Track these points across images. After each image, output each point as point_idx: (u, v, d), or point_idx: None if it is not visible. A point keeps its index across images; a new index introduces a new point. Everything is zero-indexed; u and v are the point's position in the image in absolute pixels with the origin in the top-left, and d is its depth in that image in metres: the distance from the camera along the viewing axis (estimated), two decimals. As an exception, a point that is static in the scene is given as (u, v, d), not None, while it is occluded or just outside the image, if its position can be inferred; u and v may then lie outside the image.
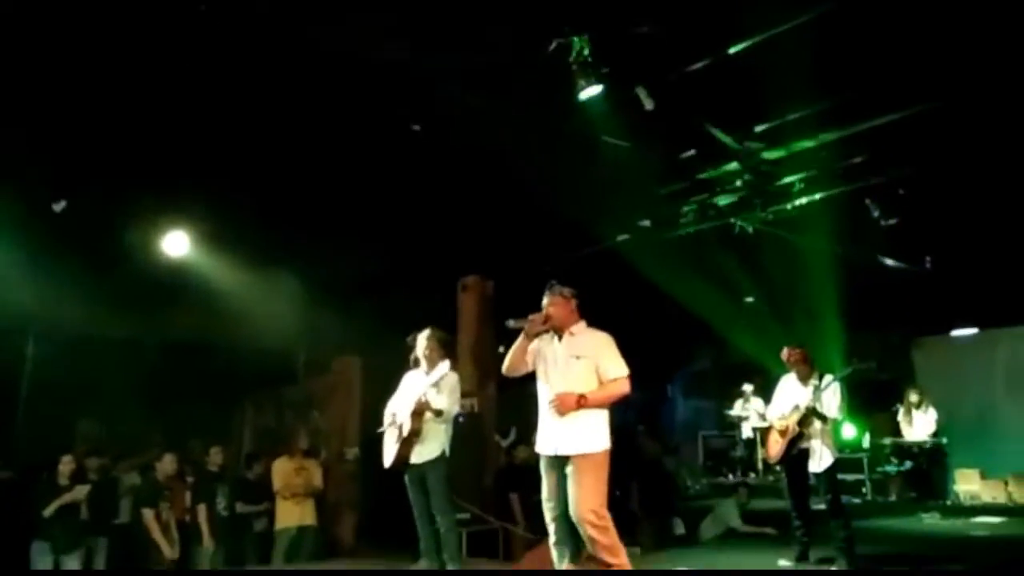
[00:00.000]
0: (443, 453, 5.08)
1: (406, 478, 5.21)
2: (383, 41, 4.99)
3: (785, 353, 5.70)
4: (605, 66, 5.11)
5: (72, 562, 6.08)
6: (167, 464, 6.65)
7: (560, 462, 4.04)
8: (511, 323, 4.25)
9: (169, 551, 6.37)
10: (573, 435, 4.00)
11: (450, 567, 5.05)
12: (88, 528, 6.36)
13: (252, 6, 4.74)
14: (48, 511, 6.00)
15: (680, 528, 7.75)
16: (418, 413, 5.00)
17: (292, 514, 7.31)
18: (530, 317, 4.15)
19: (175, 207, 7.05)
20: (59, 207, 6.46)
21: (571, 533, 4.01)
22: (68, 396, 8.17)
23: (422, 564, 5.22)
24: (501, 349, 8.58)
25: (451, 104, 5.67)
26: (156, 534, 6.35)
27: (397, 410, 5.20)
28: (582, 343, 4.13)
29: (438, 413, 4.97)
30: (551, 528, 4.09)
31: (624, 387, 4.08)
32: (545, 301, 4.21)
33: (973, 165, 6.62)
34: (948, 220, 7.69)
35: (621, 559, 3.95)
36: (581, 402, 3.98)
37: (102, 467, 7.02)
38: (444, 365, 5.03)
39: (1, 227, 6.60)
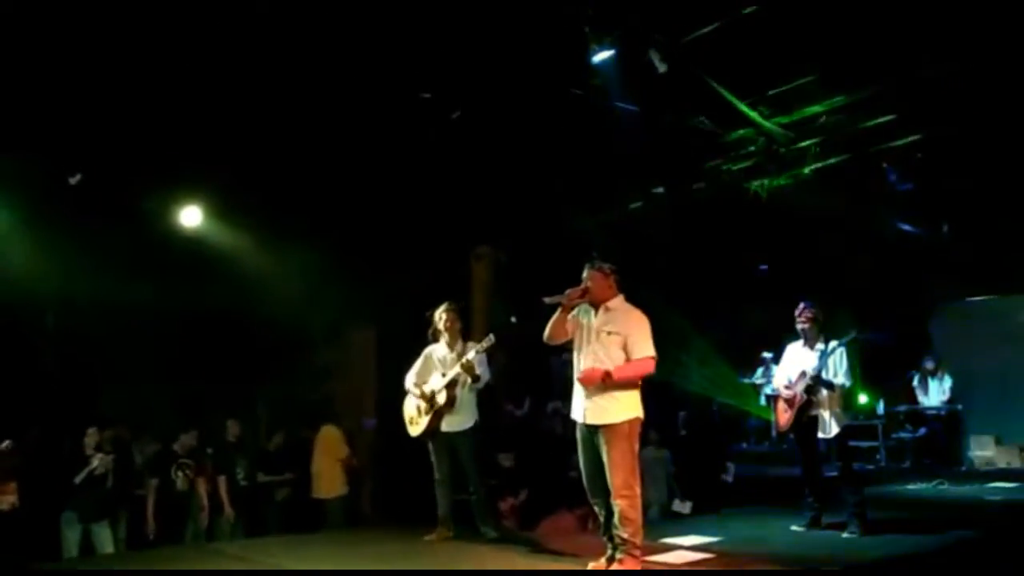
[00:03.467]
0: (475, 423, 5.23)
1: (431, 446, 5.32)
2: (391, 9, 4.96)
3: (799, 309, 5.64)
4: (617, 29, 5.04)
5: (101, 531, 6.22)
6: (189, 437, 6.78)
7: (590, 431, 4.16)
8: (547, 299, 4.32)
9: (153, 528, 6.44)
10: (600, 405, 4.10)
11: (486, 531, 5.15)
12: (114, 497, 6.49)
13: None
14: (79, 478, 6.14)
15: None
16: (452, 384, 5.12)
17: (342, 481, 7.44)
18: (567, 291, 4.20)
19: (190, 179, 7.08)
20: (75, 180, 6.51)
21: (604, 493, 4.14)
22: (88, 368, 8.30)
23: (439, 532, 5.29)
24: (513, 319, 8.65)
25: (462, 71, 5.63)
26: (149, 508, 6.45)
27: (426, 381, 5.30)
28: (616, 318, 4.20)
29: (476, 378, 5.09)
30: (588, 492, 4.25)
31: (649, 367, 4.14)
32: (584, 275, 4.26)
33: (991, 129, 6.52)
34: (965, 186, 7.59)
35: (637, 539, 4.09)
36: (606, 379, 4.05)
37: (119, 437, 7.14)
38: (490, 336, 5.12)
39: (19, 200, 6.68)
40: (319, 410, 8.30)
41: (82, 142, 6.12)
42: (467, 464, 5.22)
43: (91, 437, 6.34)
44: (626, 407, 4.10)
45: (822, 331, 5.57)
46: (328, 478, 7.54)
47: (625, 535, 4.05)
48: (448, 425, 5.23)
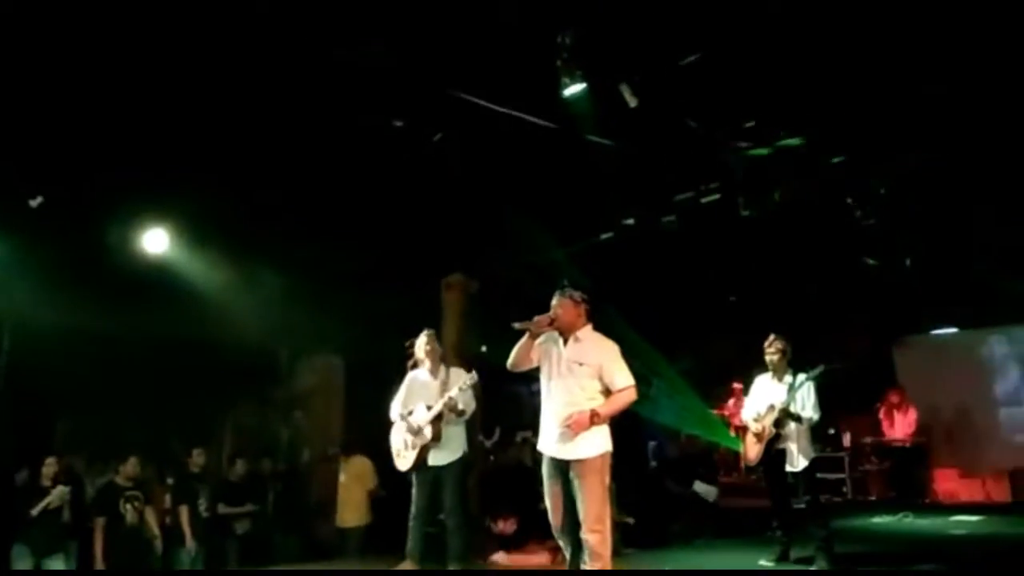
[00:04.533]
0: (463, 455, 5.23)
1: (415, 478, 5.30)
2: (364, 39, 4.96)
3: (768, 340, 5.68)
4: (589, 63, 5.10)
5: (55, 564, 5.99)
6: (130, 467, 6.56)
7: (560, 465, 4.09)
8: (516, 325, 4.29)
9: (103, 565, 6.23)
10: (572, 440, 4.04)
11: (453, 567, 5.07)
12: (68, 531, 6.27)
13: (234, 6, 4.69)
14: (35, 511, 5.92)
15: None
16: (438, 418, 5.09)
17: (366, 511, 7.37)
18: (536, 318, 4.16)
19: (154, 203, 6.96)
20: (35, 203, 6.36)
21: (573, 528, 4.08)
22: (45, 394, 8.05)
23: (406, 565, 5.22)
24: (484, 348, 8.59)
25: (433, 101, 5.64)
26: (98, 547, 6.24)
27: (411, 411, 5.28)
28: (586, 350, 4.15)
29: (460, 413, 5.10)
30: (552, 523, 4.17)
31: (632, 396, 4.12)
32: (554, 302, 4.22)
33: (953, 166, 6.68)
34: (928, 220, 7.76)
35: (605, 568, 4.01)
36: (594, 420, 4.01)
37: (71, 468, 6.92)
38: (473, 374, 5.14)
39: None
40: (350, 439, 8.11)
41: (44, 164, 5.99)
42: (450, 497, 5.18)
43: (49, 467, 6.15)
44: (598, 441, 4.06)
45: (790, 364, 5.61)
46: (354, 506, 7.46)
47: (596, 568, 3.97)
48: (435, 459, 5.20)
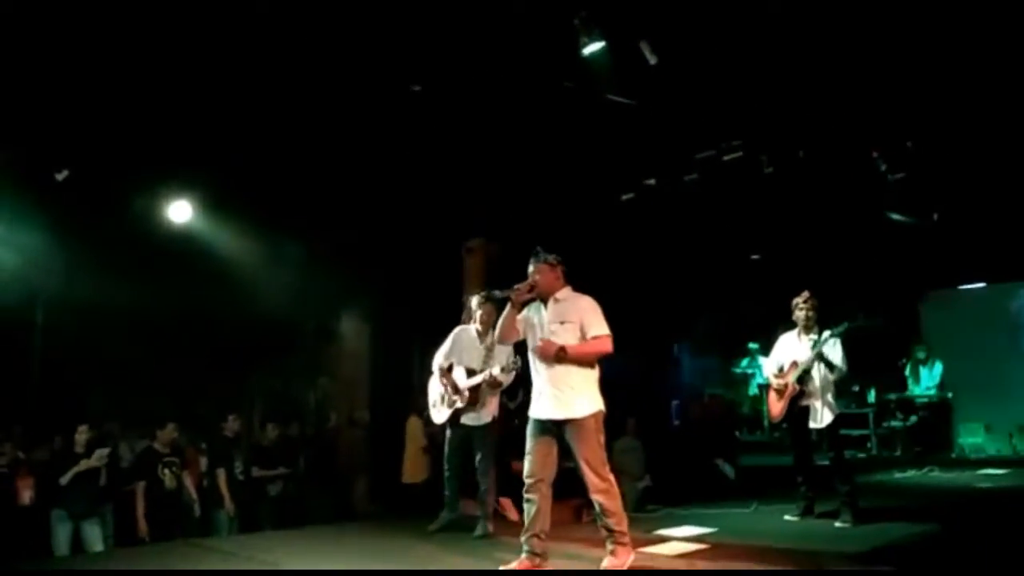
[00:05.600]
0: (493, 419, 5.32)
1: (448, 434, 5.44)
2: (381, 4, 4.92)
3: (802, 297, 5.64)
4: (607, 20, 5.02)
5: (91, 528, 6.18)
6: (167, 433, 6.71)
7: (549, 426, 4.11)
8: (496, 294, 4.33)
9: (145, 529, 6.39)
10: (563, 401, 4.08)
11: (480, 531, 5.22)
12: (104, 494, 6.45)
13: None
14: (65, 479, 6.09)
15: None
16: (477, 386, 5.21)
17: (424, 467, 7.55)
18: (515, 287, 4.19)
19: (179, 174, 7.03)
20: (61, 176, 6.44)
21: (547, 498, 4.11)
22: (78, 366, 8.24)
23: (444, 516, 5.45)
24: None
25: (452, 64, 5.59)
26: (140, 510, 6.42)
27: (451, 366, 5.38)
28: (567, 309, 4.18)
29: (498, 386, 5.19)
30: (526, 486, 4.15)
31: (605, 345, 4.12)
32: (531, 269, 4.23)
33: (981, 118, 6.53)
34: (956, 174, 7.62)
35: (623, 527, 4.07)
36: (560, 353, 4.03)
37: (110, 434, 7.11)
38: (518, 358, 5.07)
39: (7, 197, 6.60)
40: (408, 402, 8.19)
41: (70, 137, 6.06)
42: (482, 460, 5.30)
43: (82, 434, 6.30)
44: (590, 400, 4.10)
45: (817, 321, 5.59)
46: (410, 464, 7.64)
47: (611, 525, 4.03)
48: (468, 419, 5.32)
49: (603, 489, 4.01)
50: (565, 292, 4.25)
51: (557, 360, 4.06)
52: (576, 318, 4.12)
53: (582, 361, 4.10)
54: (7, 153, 5.97)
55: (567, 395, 4.07)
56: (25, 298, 7.61)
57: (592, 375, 4.17)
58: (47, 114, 5.70)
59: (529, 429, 4.20)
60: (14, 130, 5.78)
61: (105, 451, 6.26)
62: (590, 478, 4.01)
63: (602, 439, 4.12)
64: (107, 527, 6.40)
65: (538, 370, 4.20)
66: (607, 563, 4.04)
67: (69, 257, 7.44)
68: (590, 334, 4.11)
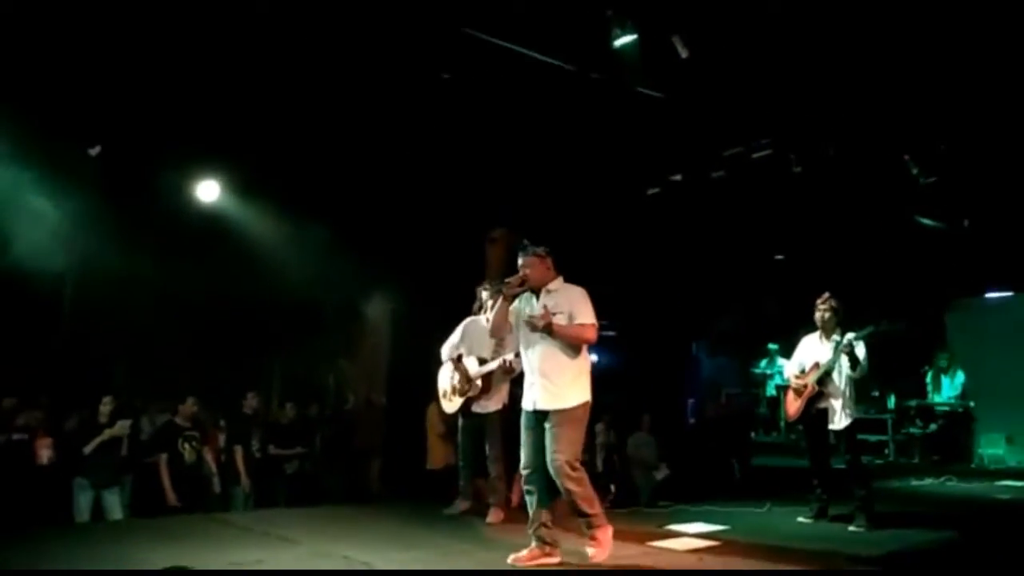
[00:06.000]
0: (503, 407, 5.36)
1: (461, 424, 5.51)
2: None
3: (822, 298, 5.60)
4: (639, 13, 4.99)
5: (111, 496, 6.32)
6: (188, 407, 6.82)
7: (540, 417, 4.13)
8: (486, 290, 4.30)
9: (174, 498, 6.50)
10: (553, 392, 4.09)
11: (493, 518, 5.27)
12: (125, 465, 6.58)
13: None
14: (88, 448, 6.22)
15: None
16: (489, 373, 5.26)
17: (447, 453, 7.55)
18: (506, 280, 4.22)
19: (208, 154, 7.11)
20: (94, 151, 6.55)
21: (547, 487, 4.12)
22: (104, 339, 8.39)
23: (459, 505, 5.54)
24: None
25: (482, 53, 5.60)
26: (165, 480, 6.53)
27: (461, 356, 5.43)
28: (558, 299, 4.18)
29: (510, 372, 5.20)
30: (524, 477, 4.20)
31: (589, 333, 4.14)
32: (520, 262, 4.24)
33: (1016, 125, 6.42)
34: (988, 180, 7.50)
35: (596, 509, 4.09)
36: (547, 327, 4.03)
37: (130, 405, 7.23)
38: None
39: (39, 172, 6.72)
40: (427, 387, 8.28)
41: (103, 115, 6.15)
42: (492, 446, 5.35)
43: (106, 406, 6.42)
44: (578, 392, 4.12)
45: (840, 324, 5.54)
46: (435, 450, 7.71)
47: (586, 510, 4.04)
48: (480, 407, 5.39)
49: (575, 478, 4.01)
50: (556, 283, 4.25)
51: (545, 334, 4.05)
52: (566, 307, 4.14)
53: (567, 343, 4.10)
54: (43, 127, 6.06)
55: (557, 386, 4.09)
56: (54, 272, 7.74)
57: (583, 367, 4.19)
58: (82, 91, 5.79)
59: (522, 421, 4.23)
60: (50, 105, 5.87)
61: (127, 422, 6.38)
62: (560, 465, 3.99)
63: (583, 430, 4.16)
64: (126, 496, 6.53)
65: (530, 362, 4.22)
66: (593, 553, 4.05)
67: (99, 232, 7.57)
68: (576, 321, 4.12)
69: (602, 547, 4.06)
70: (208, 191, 7.54)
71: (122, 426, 6.31)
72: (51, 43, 5.28)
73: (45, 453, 6.42)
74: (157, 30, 5.24)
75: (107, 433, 6.26)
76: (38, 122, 6.10)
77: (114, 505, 6.32)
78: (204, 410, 7.22)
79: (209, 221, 7.69)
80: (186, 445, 6.73)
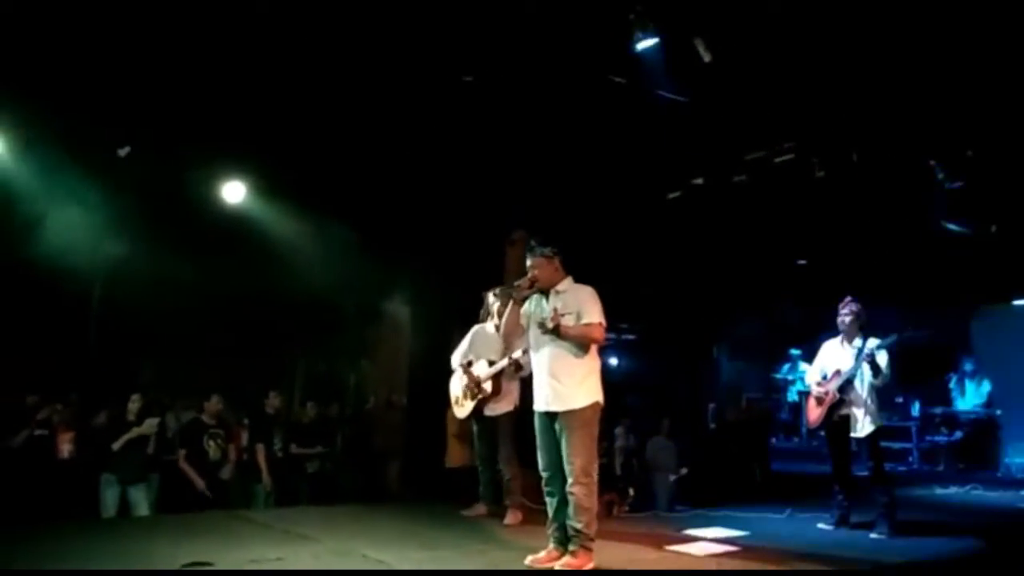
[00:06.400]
0: (515, 408, 5.38)
1: (475, 428, 5.56)
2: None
3: (844, 302, 5.54)
4: (662, 16, 4.99)
5: (137, 492, 6.42)
6: (213, 404, 6.91)
7: (552, 419, 4.11)
8: (494, 294, 4.30)
9: (201, 484, 6.61)
10: (561, 393, 4.07)
11: (511, 519, 5.30)
12: (152, 462, 6.69)
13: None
14: (117, 445, 6.33)
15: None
16: (499, 374, 5.28)
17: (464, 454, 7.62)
18: (515, 283, 4.21)
19: (234, 156, 7.21)
20: (124, 152, 6.68)
21: (562, 482, 4.08)
22: (131, 339, 8.54)
23: (479, 508, 5.57)
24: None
25: (504, 56, 5.63)
26: (190, 472, 6.62)
27: (471, 362, 5.47)
28: (567, 299, 4.16)
29: (520, 370, 5.20)
30: (544, 480, 4.18)
31: (597, 333, 4.10)
32: (528, 263, 4.22)
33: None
34: (1014, 185, 7.38)
35: (591, 529, 3.99)
36: (557, 327, 4.00)
37: (158, 403, 7.35)
38: None
39: (67, 172, 6.86)
40: (446, 388, 8.35)
41: (132, 116, 6.27)
42: (505, 447, 5.38)
43: (134, 403, 6.53)
44: (587, 393, 4.08)
45: (862, 329, 5.48)
46: (453, 449, 7.76)
47: (579, 525, 3.95)
48: (491, 410, 5.42)
49: (583, 482, 3.96)
50: (566, 283, 4.23)
51: (554, 335, 4.03)
52: (575, 308, 4.11)
53: (576, 344, 4.06)
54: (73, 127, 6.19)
55: (566, 387, 4.06)
56: (84, 272, 7.90)
57: (592, 367, 4.15)
58: (112, 93, 5.91)
59: (536, 424, 4.21)
60: (80, 105, 5.99)
61: (155, 420, 6.49)
62: (574, 468, 3.96)
63: (595, 432, 4.10)
64: (153, 493, 6.64)
65: (539, 363, 4.21)
66: (563, 562, 3.95)
67: (127, 234, 7.71)
68: (583, 321, 4.08)
69: (577, 567, 3.91)
70: (234, 192, 7.65)
71: (150, 424, 6.42)
72: (81, 46, 5.39)
73: (66, 447, 6.56)
74: (183, 32, 5.33)
75: (135, 431, 6.37)
76: (69, 124, 6.24)
77: (140, 501, 6.43)
78: (228, 408, 7.32)
79: (235, 222, 7.80)
80: (211, 443, 6.82)
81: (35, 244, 7.18)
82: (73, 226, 7.19)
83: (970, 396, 9.86)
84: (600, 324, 4.11)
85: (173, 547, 4.29)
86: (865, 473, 5.54)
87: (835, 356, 5.57)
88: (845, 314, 5.50)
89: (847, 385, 5.40)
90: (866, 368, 5.29)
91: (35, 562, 4.02)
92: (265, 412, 7.55)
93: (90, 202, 7.12)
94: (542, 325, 4.08)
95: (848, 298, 5.57)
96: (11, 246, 7.23)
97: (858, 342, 5.43)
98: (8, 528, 4.94)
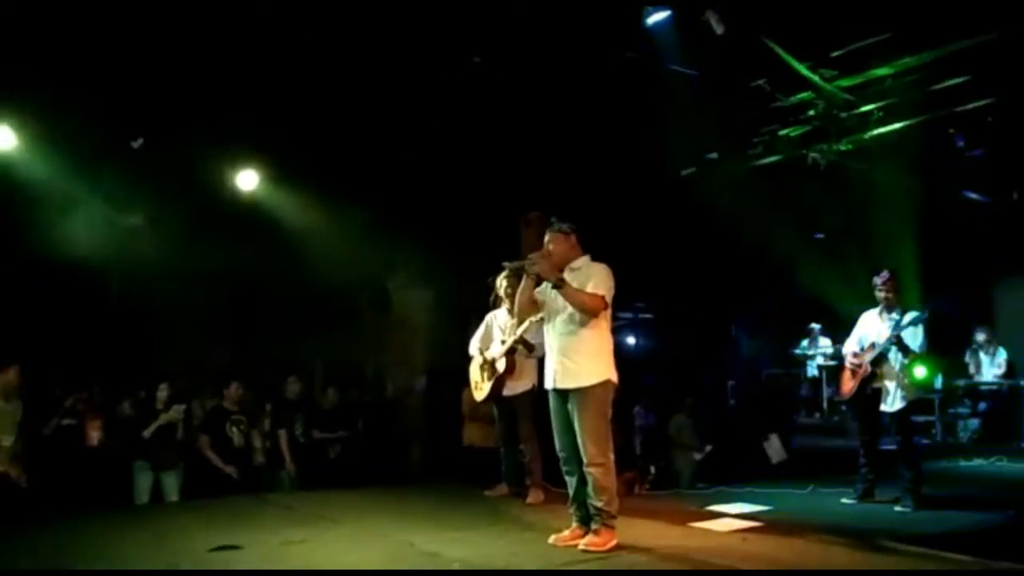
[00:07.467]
0: (533, 387, 5.35)
1: (495, 409, 5.58)
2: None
3: (883, 277, 5.45)
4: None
5: (169, 479, 6.53)
6: (233, 391, 6.98)
7: (561, 396, 4.08)
8: (508, 264, 4.28)
9: (230, 469, 6.69)
10: (571, 369, 4.02)
11: (532, 498, 5.31)
12: (181, 449, 6.78)
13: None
14: (147, 432, 6.43)
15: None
16: (512, 351, 5.29)
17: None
18: (530, 256, 4.13)
19: (246, 143, 7.23)
20: (137, 144, 6.72)
21: (579, 461, 4.04)
22: (151, 329, 8.63)
23: (501, 488, 5.61)
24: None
25: (515, 35, 5.58)
26: (214, 459, 6.70)
27: (488, 348, 5.49)
28: (580, 275, 4.10)
29: (531, 348, 5.19)
30: (561, 459, 4.16)
31: (596, 303, 4.00)
32: (546, 239, 4.18)
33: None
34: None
35: (612, 507, 3.95)
36: (558, 280, 3.95)
37: (184, 390, 7.43)
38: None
39: (82, 164, 6.91)
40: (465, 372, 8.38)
41: (146, 108, 6.29)
42: (524, 427, 5.41)
43: (163, 392, 6.63)
44: (597, 370, 4.00)
45: (899, 298, 5.44)
46: (471, 428, 7.81)
47: (600, 504, 3.92)
48: (509, 390, 5.43)
49: (599, 463, 3.91)
50: (581, 261, 4.17)
51: (556, 285, 3.98)
52: (587, 283, 4.04)
53: (586, 321, 3.99)
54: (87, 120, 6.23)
55: (576, 364, 4.01)
56: (103, 264, 7.98)
57: (603, 346, 4.08)
58: (126, 85, 5.93)
59: (550, 404, 4.17)
60: (94, 98, 6.02)
61: (182, 407, 6.59)
62: (588, 448, 3.92)
63: (608, 411, 4.03)
64: (181, 478, 6.74)
65: (550, 341, 4.17)
66: (586, 541, 3.91)
67: (144, 224, 7.77)
68: (587, 290, 4.01)
69: (599, 546, 3.87)
70: (248, 180, 7.68)
71: (177, 410, 6.52)
72: (93, 38, 5.41)
73: (95, 435, 6.67)
74: (194, 23, 5.33)
75: (163, 418, 6.48)
76: (85, 116, 6.27)
77: (172, 487, 6.55)
78: (250, 394, 7.39)
79: (253, 210, 7.84)
80: (234, 429, 6.90)
81: (53, 238, 7.25)
82: (91, 219, 7.25)
83: (985, 366, 9.74)
84: (602, 297, 4.01)
85: (207, 530, 4.39)
86: (892, 447, 5.50)
87: (873, 327, 5.53)
88: (886, 289, 5.44)
89: (880, 358, 5.36)
90: (906, 339, 5.24)
91: (82, 551, 4.12)
92: (286, 398, 7.62)
93: (106, 194, 7.18)
94: (544, 270, 3.98)
95: (886, 273, 5.50)
96: (29, 241, 7.31)
97: (895, 314, 5.38)
98: (49, 517, 5.04)
